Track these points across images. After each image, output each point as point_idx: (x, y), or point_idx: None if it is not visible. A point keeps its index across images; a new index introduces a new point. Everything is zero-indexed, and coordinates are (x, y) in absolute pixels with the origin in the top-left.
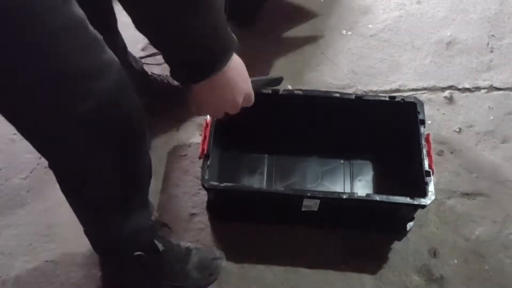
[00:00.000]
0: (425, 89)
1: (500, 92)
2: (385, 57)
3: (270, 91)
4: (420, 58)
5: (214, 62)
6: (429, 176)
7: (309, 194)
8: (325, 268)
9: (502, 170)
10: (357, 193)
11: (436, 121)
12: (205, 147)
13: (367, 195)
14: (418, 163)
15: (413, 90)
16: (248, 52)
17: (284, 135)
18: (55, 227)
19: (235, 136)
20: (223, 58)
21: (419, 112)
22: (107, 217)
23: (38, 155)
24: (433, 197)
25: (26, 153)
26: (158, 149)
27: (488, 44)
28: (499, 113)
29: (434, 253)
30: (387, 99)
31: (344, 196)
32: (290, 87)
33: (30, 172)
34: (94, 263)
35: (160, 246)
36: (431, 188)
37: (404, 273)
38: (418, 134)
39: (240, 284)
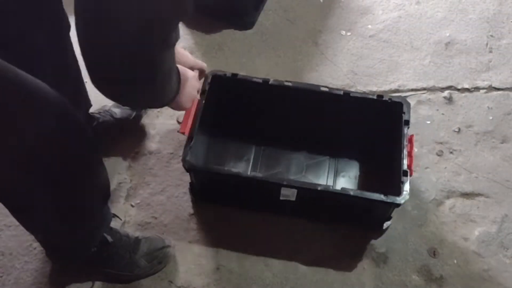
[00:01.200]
0: (424, 89)
1: (499, 92)
2: (384, 58)
3: (260, 80)
4: (419, 58)
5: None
6: (406, 176)
7: (285, 183)
8: (325, 268)
9: (501, 170)
10: (331, 186)
11: (435, 121)
12: (189, 123)
13: (342, 189)
14: (399, 163)
15: (412, 90)
16: (248, 53)
17: (273, 126)
18: None
19: (224, 123)
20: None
21: (404, 113)
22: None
23: None
24: (407, 197)
25: None
26: (159, 149)
27: (487, 44)
28: (498, 113)
29: (433, 253)
30: (375, 97)
31: (319, 188)
32: None
33: None
34: None
35: (109, 238)
36: (406, 187)
37: (404, 272)
38: (401, 133)
39: (240, 284)
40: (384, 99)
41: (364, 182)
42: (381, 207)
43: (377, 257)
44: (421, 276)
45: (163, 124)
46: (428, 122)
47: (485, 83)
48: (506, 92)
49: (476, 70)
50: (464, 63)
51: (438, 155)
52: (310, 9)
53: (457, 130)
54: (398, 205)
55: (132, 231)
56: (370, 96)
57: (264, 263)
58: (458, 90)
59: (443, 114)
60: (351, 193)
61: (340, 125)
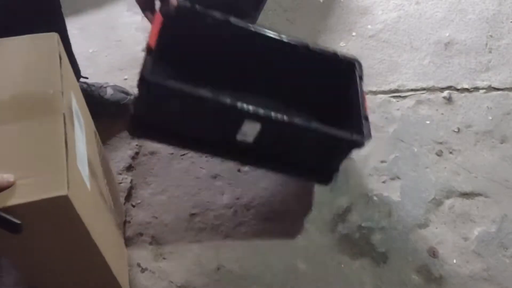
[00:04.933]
0: (424, 89)
1: (499, 92)
2: (384, 58)
3: (222, 17)
4: (419, 58)
5: None
6: (367, 120)
7: (251, 110)
8: (325, 268)
9: (500, 170)
10: (298, 118)
11: (434, 121)
12: (152, 42)
13: (309, 121)
14: (356, 112)
15: (412, 90)
16: None
17: (230, 68)
18: None
19: (180, 65)
20: None
21: (356, 69)
22: None
23: None
24: (370, 138)
25: None
26: (159, 149)
27: (486, 44)
28: (497, 113)
29: (433, 253)
30: (331, 53)
31: (286, 118)
32: None
33: None
34: None
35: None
36: (366, 130)
37: (404, 272)
38: (356, 88)
39: (240, 284)
40: (338, 54)
41: None
42: (344, 147)
43: (377, 257)
44: (421, 276)
45: None
46: (428, 122)
47: (484, 83)
48: (505, 92)
49: (476, 70)
50: (463, 63)
51: (438, 155)
52: (310, 9)
53: (456, 130)
54: (360, 144)
55: (132, 230)
56: (328, 53)
57: (264, 264)
58: (458, 90)
59: (442, 114)
60: (318, 126)
61: (297, 78)
